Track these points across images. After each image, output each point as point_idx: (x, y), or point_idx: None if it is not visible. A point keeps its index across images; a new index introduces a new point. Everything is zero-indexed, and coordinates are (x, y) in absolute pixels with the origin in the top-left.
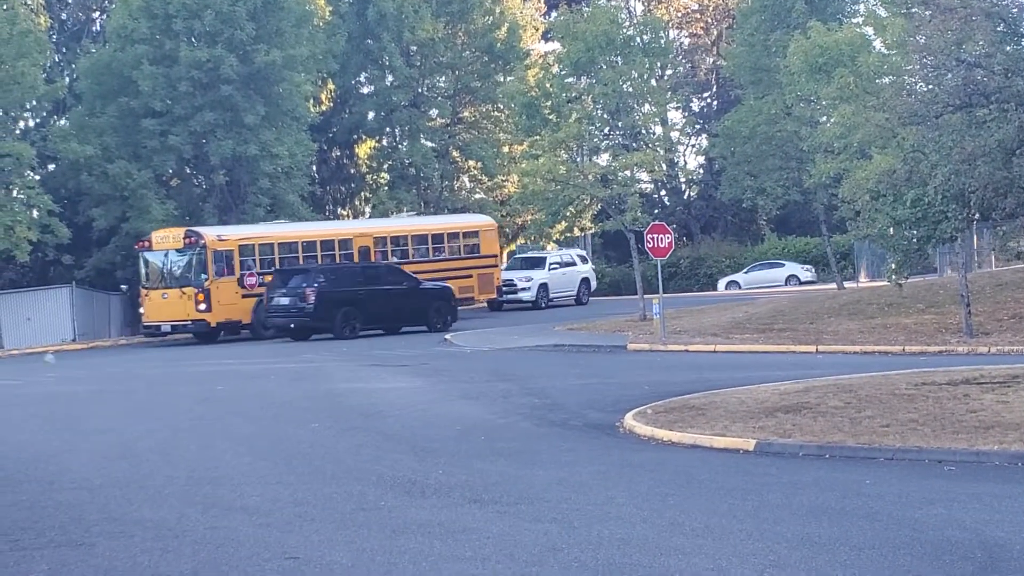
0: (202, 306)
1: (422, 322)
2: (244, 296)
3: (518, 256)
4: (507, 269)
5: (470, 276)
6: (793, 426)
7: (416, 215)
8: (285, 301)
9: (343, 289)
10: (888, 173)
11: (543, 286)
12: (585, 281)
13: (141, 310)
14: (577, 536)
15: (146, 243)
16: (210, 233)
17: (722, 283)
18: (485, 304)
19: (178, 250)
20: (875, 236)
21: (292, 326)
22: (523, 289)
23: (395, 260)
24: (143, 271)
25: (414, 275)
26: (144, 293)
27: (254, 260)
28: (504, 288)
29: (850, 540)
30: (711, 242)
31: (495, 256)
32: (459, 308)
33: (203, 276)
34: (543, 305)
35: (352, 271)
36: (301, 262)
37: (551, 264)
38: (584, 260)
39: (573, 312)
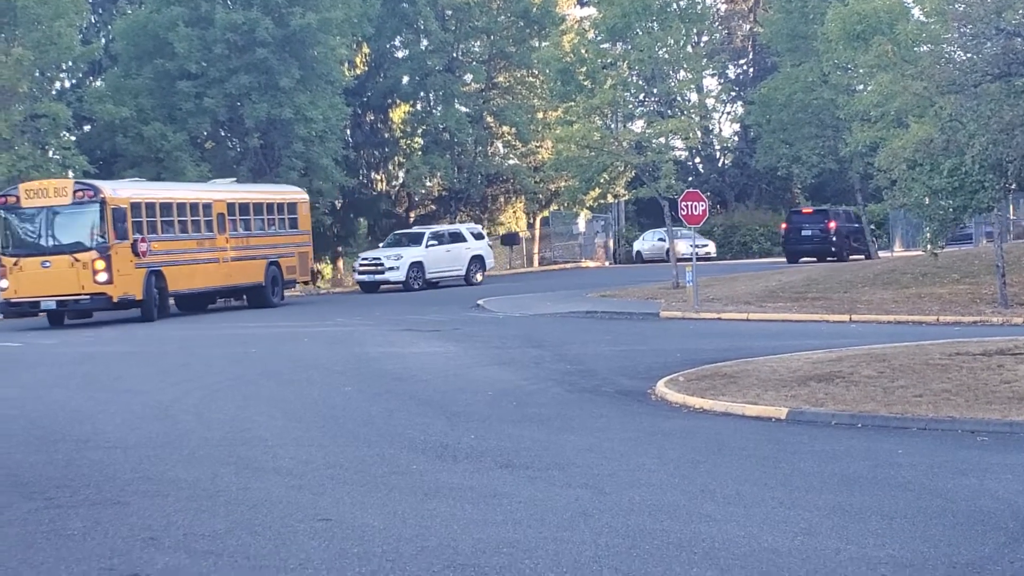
0: (102, 276)
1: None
2: (137, 266)
3: (397, 232)
4: (385, 246)
5: (293, 255)
6: (826, 395)
7: (234, 181)
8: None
9: None
10: (925, 142)
11: (416, 265)
12: (477, 260)
13: (2, 284)
14: (608, 502)
15: (10, 198)
16: (106, 186)
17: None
18: (358, 287)
19: (64, 206)
20: (911, 205)
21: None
22: (390, 269)
23: (238, 231)
24: (2, 235)
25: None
26: (13, 262)
27: (144, 223)
28: (370, 268)
29: (882, 509)
30: (745, 210)
31: (309, 233)
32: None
33: (101, 239)
34: (416, 287)
35: None
36: (177, 226)
37: (429, 240)
38: (478, 236)
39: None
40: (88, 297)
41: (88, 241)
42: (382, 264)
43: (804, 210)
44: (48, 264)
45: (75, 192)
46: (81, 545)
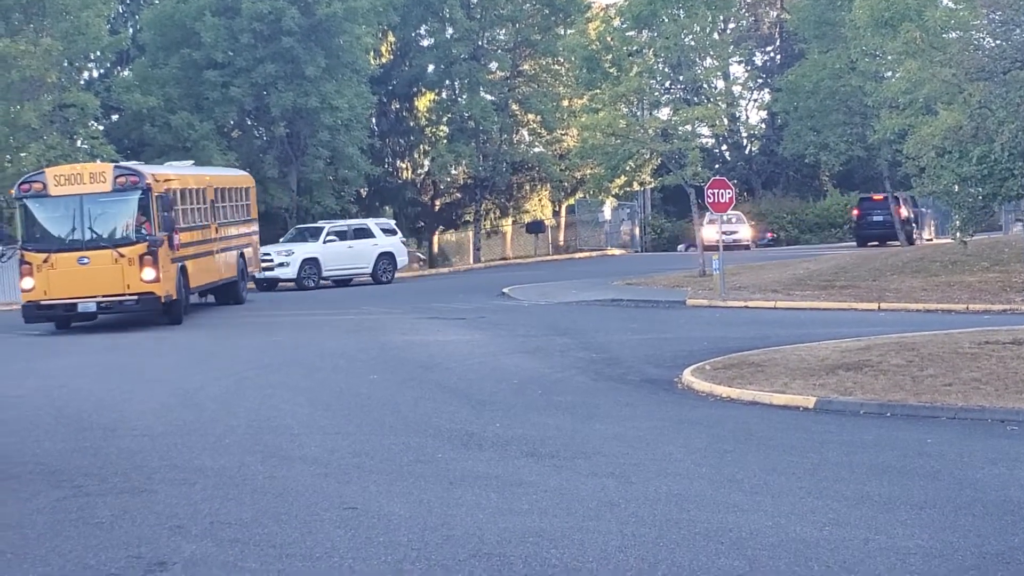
0: (149, 273)
1: None
2: (172, 261)
3: (299, 226)
4: (284, 240)
5: (250, 246)
6: (854, 384)
7: (192, 164)
8: None
9: None
10: (954, 129)
11: (310, 262)
12: (387, 256)
13: (26, 284)
14: (634, 491)
15: (35, 184)
16: (149, 171)
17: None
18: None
19: (104, 194)
20: (940, 193)
21: None
22: (280, 265)
23: (219, 220)
24: (24, 227)
25: None
26: (41, 259)
27: (179, 211)
28: (264, 264)
29: (910, 499)
30: (772, 198)
31: (257, 221)
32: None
33: (148, 231)
34: (310, 285)
35: None
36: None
37: (328, 236)
38: (390, 231)
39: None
40: (134, 298)
41: (133, 233)
42: (271, 260)
43: (874, 197)
44: (86, 260)
45: (116, 178)
46: (109, 533)
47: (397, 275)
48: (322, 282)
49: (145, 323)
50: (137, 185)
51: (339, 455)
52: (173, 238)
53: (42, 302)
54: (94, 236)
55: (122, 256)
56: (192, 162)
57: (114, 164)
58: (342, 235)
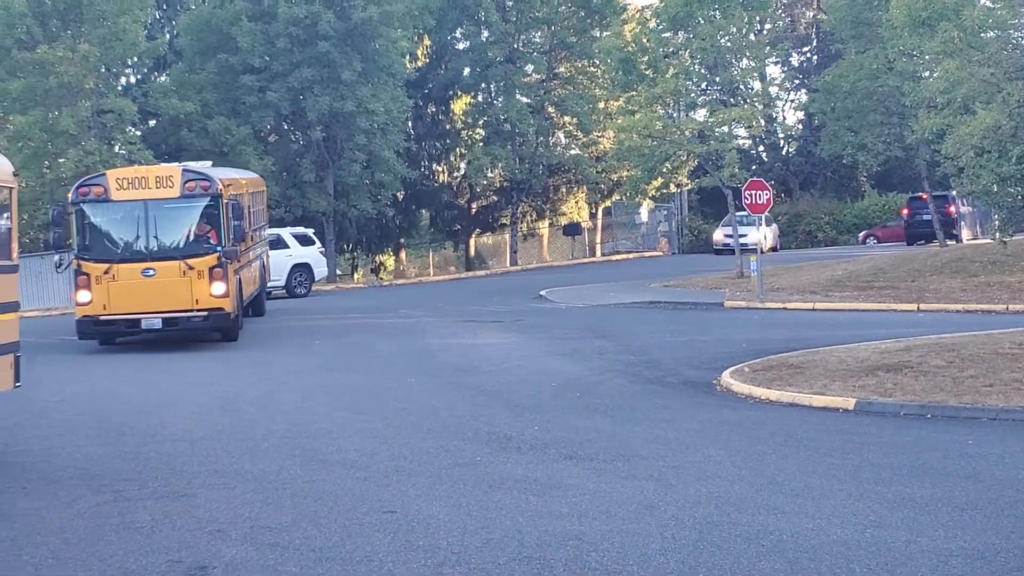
0: (219, 287)
1: None
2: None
3: None
4: None
5: (266, 253)
6: (894, 385)
7: (211, 165)
8: None
9: None
10: (993, 129)
11: None
12: (302, 268)
13: (82, 297)
14: (674, 494)
15: (95, 188)
16: (218, 175)
17: None
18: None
19: (172, 200)
20: (979, 193)
21: None
22: None
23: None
24: (81, 235)
25: None
26: (101, 270)
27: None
28: None
29: (952, 501)
30: (810, 199)
31: (267, 226)
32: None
33: (218, 241)
34: None
35: None
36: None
37: None
38: (306, 241)
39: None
40: (203, 314)
41: (202, 243)
42: None
43: (923, 196)
44: (152, 272)
45: (185, 182)
46: (149, 538)
47: (440, 277)
48: None
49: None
50: (207, 191)
51: (378, 459)
52: (236, 248)
53: (101, 317)
54: (160, 246)
55: (191, 268)
56: (211, 163)
57: (182, 167)
58: None
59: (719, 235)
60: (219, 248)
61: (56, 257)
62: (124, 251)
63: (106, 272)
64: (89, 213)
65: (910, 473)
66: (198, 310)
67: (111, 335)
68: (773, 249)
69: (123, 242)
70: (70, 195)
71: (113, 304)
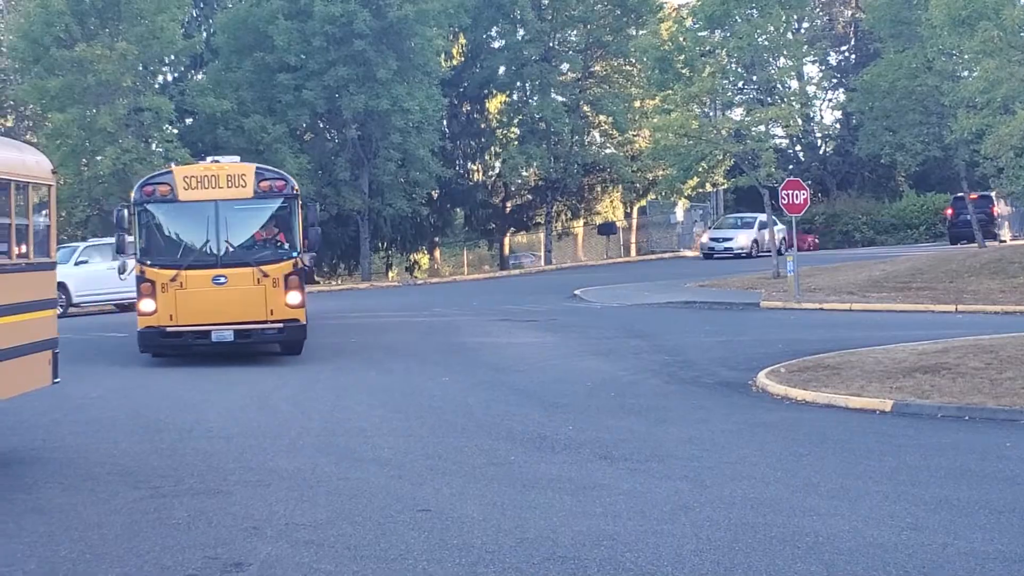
0: (295, 296)
1: None
2: None
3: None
4: None
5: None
6: (931, 387)
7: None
8: None
9: None
10: None
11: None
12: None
13: (146, 306)
14: (709, 495)
15: (161, 187)
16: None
17: None
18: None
19: (244, 201)
20: (1019, 193)
21: None
22: None
23: None
24: (146, 238)
25: None
26: (168, 276)
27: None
28: None
29: (990, 503)
30: (847, 198)
31: None
32: None
33: (288, 247)
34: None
35: None
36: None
37: (82, 256)
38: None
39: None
40: (278, 325)
41: (277, 249)
42: None
43: (972, 196)
44: (223, 280)
45: (259, 182)
46: (185, 534)
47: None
48: (72, 310)
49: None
50: (283, 191)
51: (412, 457)
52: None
53: (168, 328)
54: (232, 251)
55: (265, 276)
56: (239, 158)
57: (256, 166)
58: (105, 253)
59: (705, 238)
60: (295, 253)
61: (119, 262)
62: (193, 256)
63: (173, 279)
64: (155, 214)
65: (947, 475)
66: (272, 321)
67: (178, 348)
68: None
69: (192, 246)
70: (133, 194)
71: (180, 314)
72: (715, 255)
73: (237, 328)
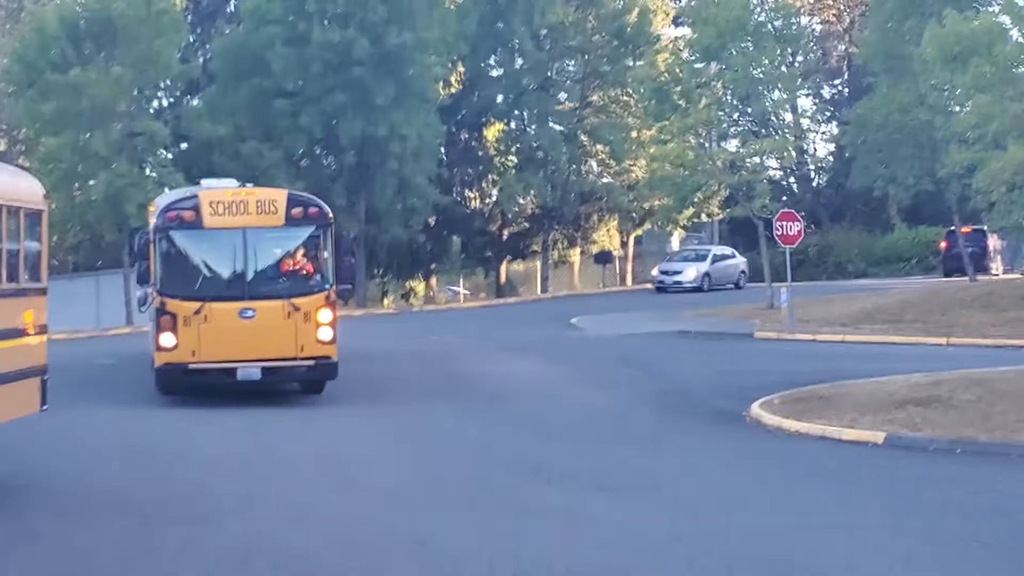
0: (326, 332)
1: None
2: None
3: None
4: None
5: None
6: (923, 419)
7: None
8: None
9: None
10: None
11: None
12: None
13: (166, 340)
14: (703, 526)
15: (186, 213)
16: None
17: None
18: None
19: (274, 229)
20: (1010, 228)
21: None
22: None
23: None
24: (167, 267)
25: None
26: (191, 309)
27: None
28: None
29: (982, 537)
30: (840, 231)
31: None
32: None
33: (320, 279)
34: None
35: None
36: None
37: None
38: None
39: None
40: (309, 363)
41: (308, 280)
42: None
43: (963, 230)
44: (251, 313)
45: (291, 208)
46: (175, 563)
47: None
48: None
49: None
50: (316, 219)
51: (408, 485)
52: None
53: (190, 365)
54: (261, 282)
55: (296, 309)
56: (236, 182)
57: (288, 191)
58: None
59: (655, 271)
60: (327, 285)
61: (139, 293)
62: (219, 288)
63: (197, 312)
64: (178, 241)
65: (940, 508)
66: (303, 358)
67: (200, 387)
68: (736, 286)
69: (218, 277)
70: (154, 219)
71: (204, 350)
72: (668, 289)
73: (265, 365)
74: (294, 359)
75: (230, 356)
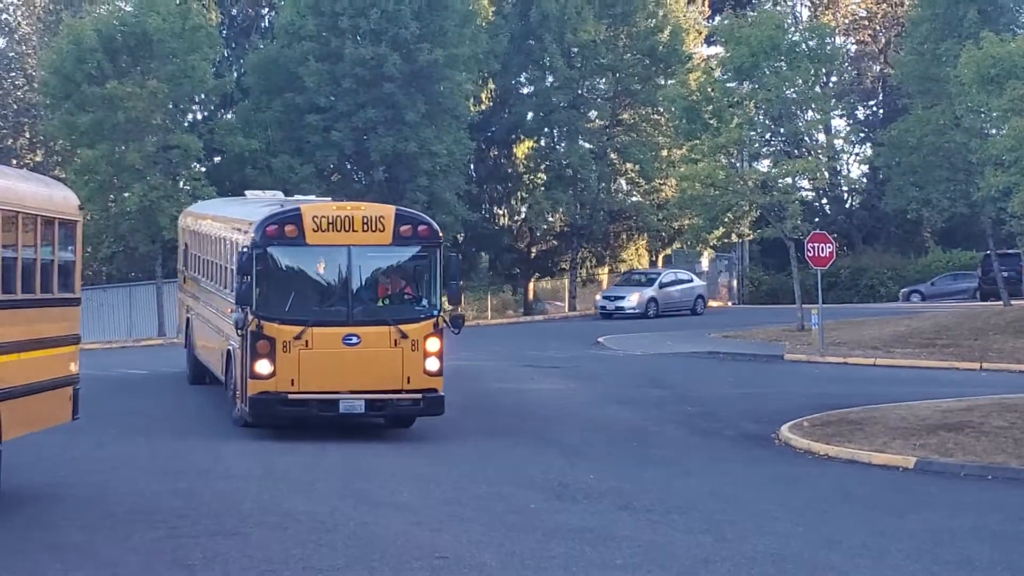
0: (434, 363)
1: None
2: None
3: None
4: None
5: None
6: (955, 445)
7: (282, 195)
8: None
9: None
10: None
11: None
12: None
13: (262, 368)
14: (730, 549)
15: (288, 227)
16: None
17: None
18: None
19: (382, 248)
20: None
21: None
22: None
23: None
24: (264, 286)
25: None
26: (291, 334)
27: None
28: None
29: (1012, 564)
30: (873, 253)
31: None
32: None
33: (428, 304)
34: None
35: None
36: None
37: None
38: None
39: None
40: (416, 396)
41: (415, 305)
42: None
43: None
44: (355, 340)
45: (400, 226)
46: None
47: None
48: None
49: None
50: (426, 237)
51: (431, 502)
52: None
53: (290, 395)
54: (366, 306)
55: (404, 336)
56: (281, 193)
57: (396, 208)
58: None
59: (598, 297)
60: (436, 311)
61: (237, 314)
62: (321, 311)
63: (297, 337)
64: (278, 259)
65: (970, 535)
66: (409, 391)
67: (299, 419)
68: (693, 312)
69: (320, 299)
70: (252, 234)
71: (304, 379)
72: (612, 315)
73: (369, 398)
74: (399, 391)
75: (332, 386)
